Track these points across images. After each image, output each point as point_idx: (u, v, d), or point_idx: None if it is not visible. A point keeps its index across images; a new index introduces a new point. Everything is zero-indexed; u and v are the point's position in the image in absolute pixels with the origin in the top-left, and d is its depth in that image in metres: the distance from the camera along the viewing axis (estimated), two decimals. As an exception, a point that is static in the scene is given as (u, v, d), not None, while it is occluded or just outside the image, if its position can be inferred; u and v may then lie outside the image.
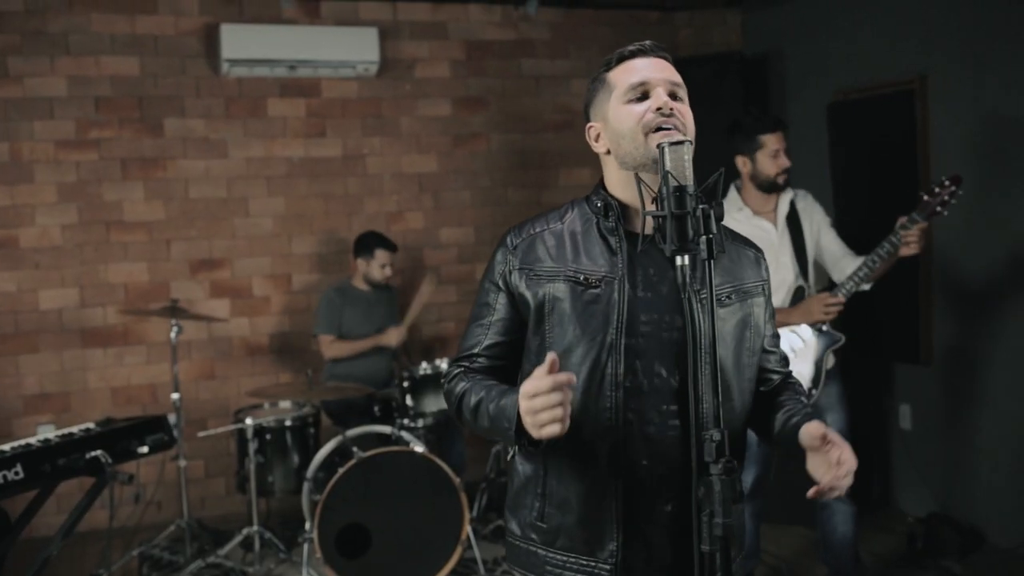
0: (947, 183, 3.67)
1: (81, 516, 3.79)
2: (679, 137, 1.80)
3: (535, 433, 1.71)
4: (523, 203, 6.00)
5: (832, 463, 1.78)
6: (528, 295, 1.93)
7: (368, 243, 5.28)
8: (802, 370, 3.82)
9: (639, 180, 1.82)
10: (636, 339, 1.87)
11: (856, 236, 5.24)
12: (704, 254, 1.67)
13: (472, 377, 1.97)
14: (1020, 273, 4.49)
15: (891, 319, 5.05)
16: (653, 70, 1.92)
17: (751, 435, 3.80)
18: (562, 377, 1.67)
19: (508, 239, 2.01)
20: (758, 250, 2.09)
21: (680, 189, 1.72)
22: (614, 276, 1.89)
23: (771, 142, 3.86)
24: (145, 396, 5.52)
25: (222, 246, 5.64)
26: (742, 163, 3.93)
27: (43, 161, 5.29)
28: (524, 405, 1.69)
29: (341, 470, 4.25)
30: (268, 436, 4.75)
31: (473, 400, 1.91)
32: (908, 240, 3.68)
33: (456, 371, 2.02)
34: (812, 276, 3.98)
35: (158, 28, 5.43)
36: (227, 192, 5.62)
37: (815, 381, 3.82)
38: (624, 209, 1.95)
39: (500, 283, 1.99)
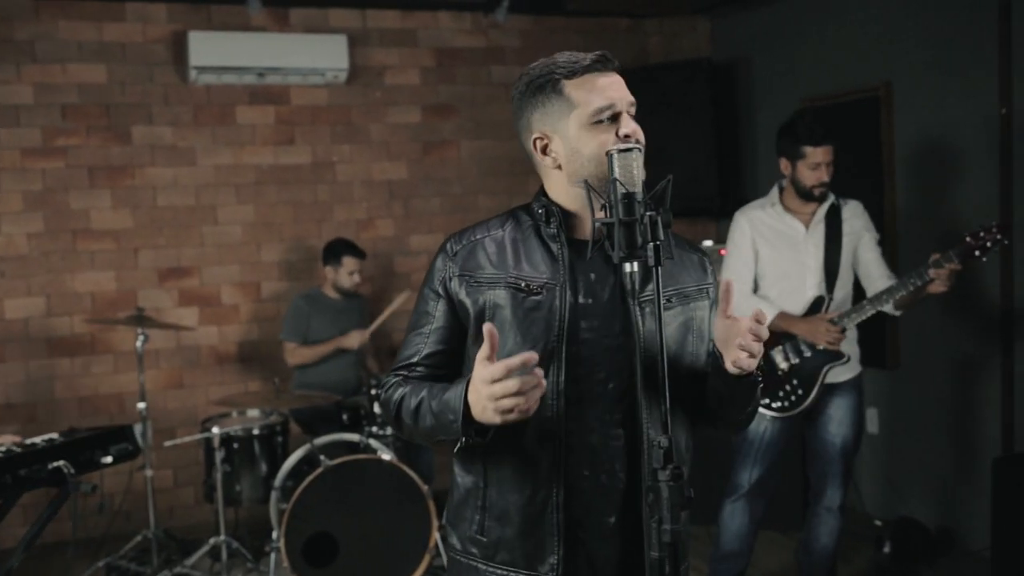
0: (994, 229, 3.54)
1: (44, 527, 3.75)
2: (628, 144, 1.80)
3: (497, 419, 1.66)
4: (494, 210, 5.91)
5: (743, 332, 1.73)
6: (468, 302, 1.91)
7: (336, 250, 5.26)
8: (774, 385, 3.84)
9: (588, 187, 1.82)
10: (578, 347, 1.86)
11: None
12: (651, 261, 1.68)
13: (410, 382, 1.94)
14: (981, 277, 4.53)
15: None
16: (617, 90, 1.90)
17: (757, 436, 3.82)
18: (514, 361, 1.63)
19: (448, 245, 1.98)
20: (704, 254, 2.09)
21: (629, 196, 1.73)
22: (555, 283, 1.87)
23: (814, 155, 3.78)
24: (112, 406, 5.48)
25: (190, 254, 5.61)
26: (784, 166, 3.89)
27: (9, 169, 5.24)
28: (484, 391, 1.66)
29: (308, 479, 4.24)
30: (235, 445, 4.72)
31: (413, 402, 1.87)
32: (937, 278, 3.57)
33: (393, 380, 1.98)
34: (842, 290, 3.89)
35: (126, 36, 5.40)
36: (195, 200, 5.59)
37: (804, 395, 3.82)
38: (566, 216, 1.94)
39: (440, 290, 1.95)
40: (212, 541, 4.62)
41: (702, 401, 1.96)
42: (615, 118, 1.87)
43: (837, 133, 5.17)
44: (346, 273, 5.24)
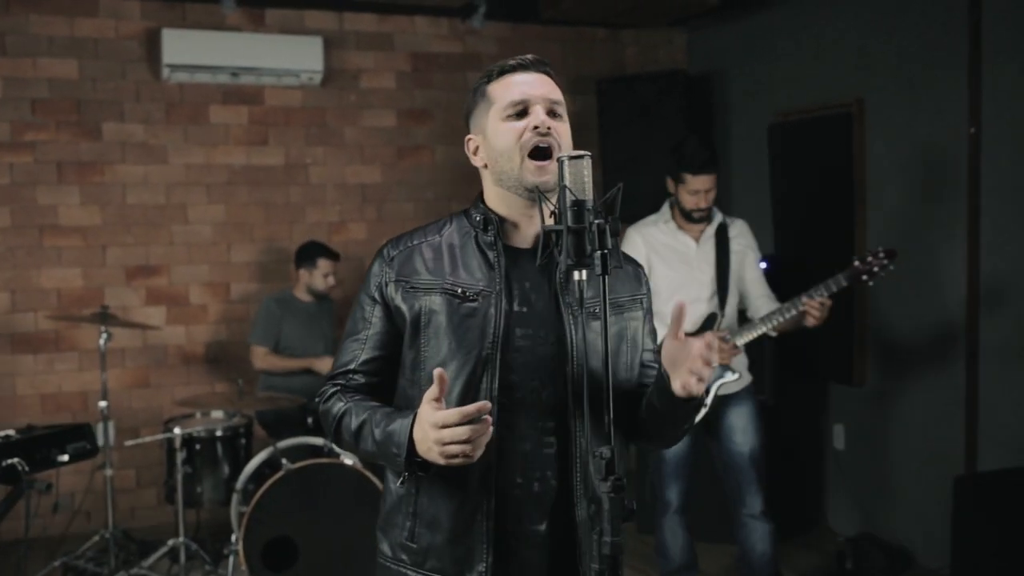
0: (881, 254, 3.68)
1: (-3, 524, 3.71)
2: (579, 152, 1.78)
3: (441, 462, 1.69)
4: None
5: (692, 355, 1.71)
6: (404, 308, 1.91)
7: (310, 252, 5.23)
8: None
9: (540, 196, 1.82)
10: (512, 354, 1.86)
11: (794, 255, 5.31)
12: (598, 270, 1.66)
13: (350, 397, 1.93)
14: (948, 296, 4.55)
15: (826, 341, 5.09)
16: (533, 86, 1.91)
17: (672, 453, 3.86)
18: (470, 409, 1.66)
19: (385, 251, 1.99)
20: (638, 265, 2.10)
21: (578, 203, 1.72)
22: (491, 290, 1.88)
23: (693, 182, 3.86)
24: (76, 403, 5.42)
25: (159, 253, 5.56)
26: (671, 186, 4.00)
27: (-24, 163, 5.19)
28: (432, 435, 1.68)
29: (268, 482, 4.20)
30: (198, 446, 4.67)
31: (354, 423, 1.88)
32: (809, 309, 3.70)
33: (332, 390, 1.96)
34: (733, 305, 3.99)
35: (98, 31, 5.36)
36: (166, 198, 5.55)
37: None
38: (503, 223, 1.94)
39: (376, 296, 1.95)
40: (171, 543, 4.57)
41: (634, 414, 1.96)
42: (527, 112, 1.89)
43: (810, 148, 5.26)
44: (321, 275, 5.21)
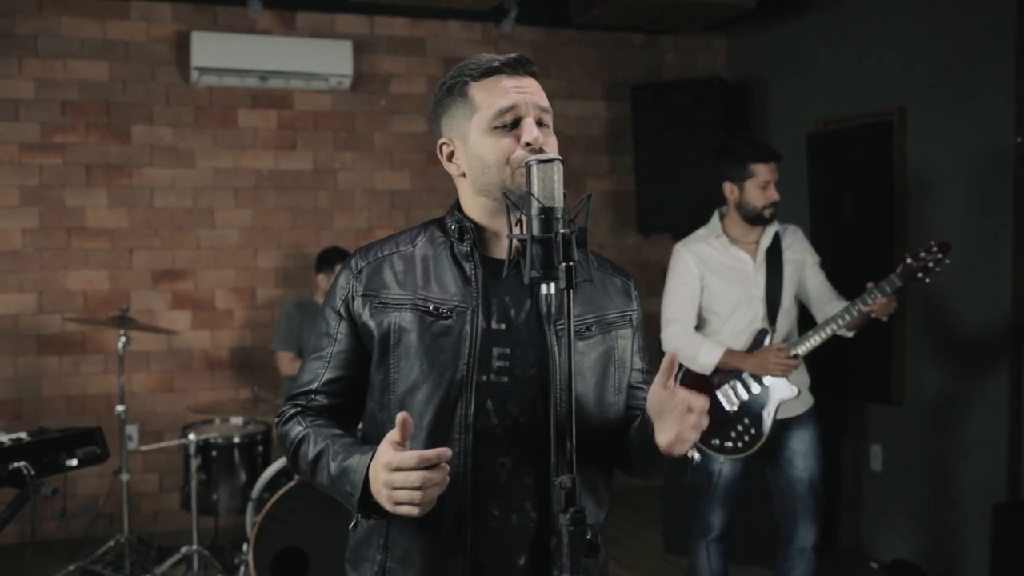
0: (934, 248, 3.44)
1: (1, 528, 3.68)
2: (549, 155, 1.65)
3: (388, 507, 1.57)
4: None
5: (680, 410, 1.59)
6: (372, 324, 1.76)
7: (331, 258, 5.16)
8: (725, 425, 3.70)
9: (508, 202, 1.68)
10: (489, 376, 1.72)
11: (832, 265, 5.11)
12: (562, 283, 1.54)
13: (310, 421, 1.79)
14: (996, 311, 4.33)
15: (863, 357, 4.89)
16: (523, 94, 1.74)
17: (723, 478, 3.68)
18: (431, 454, 1.53)
19: (353, 262, 1.83)
20: (628, 278, 1.95)
21: (546, 211, 1.59)
22: (467, 306, 1.73)
23: (763, 172, 3.65)
24: (101, 406, 5.41)
25: (186, 257, 5.54)
26: (729, 190, 3.73)
27: (6, 163, 5.21)
28: (383, 477, 1.55)
29: (280, 491, 4.13)
30: (214, 453, 4.62)
31: (311, 451, 1.73)
32: (873, 310, 3.50)
33: (291, 412, 1.82)
34: (785, 320, 3.76)
35: (129, 34, 5.36)
36: (193, 202, 5.53)
37: (758, 434, 3.66)
38: (480, 232, 1.80)
39: (342, 310, 1.80)
40: (184, 550, 4.53)
41: (621, 444, 1.82)
42: (517, 123, 1.73)
43: (850, 157, 5.07)
44: (340, 282, 5.14)
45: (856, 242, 5.05)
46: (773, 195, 3.67)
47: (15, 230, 5.24)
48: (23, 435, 3.88)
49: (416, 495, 1.53)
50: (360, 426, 1.87)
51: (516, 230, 1.65)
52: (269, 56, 5.41)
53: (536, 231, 1.57)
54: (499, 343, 1.73)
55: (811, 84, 5.47)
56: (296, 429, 1.80)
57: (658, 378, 1.62)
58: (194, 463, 4.48)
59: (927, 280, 3.46)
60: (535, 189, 1.59)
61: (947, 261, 3.45)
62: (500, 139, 1.72)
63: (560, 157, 1.64)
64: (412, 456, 1.53)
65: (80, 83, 5.31)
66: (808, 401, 3.77)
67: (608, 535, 1.93)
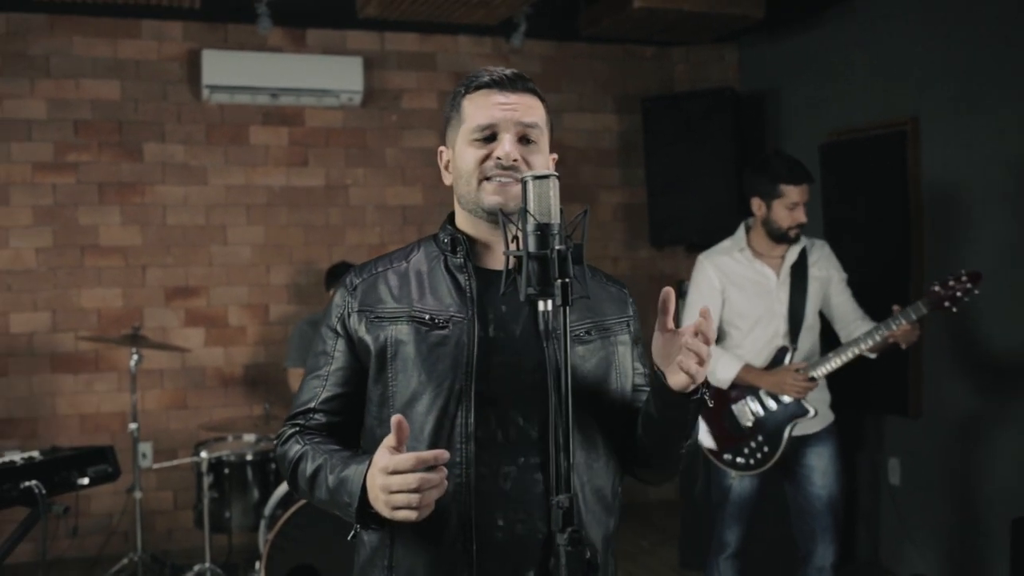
0: (964, 278, 3.38)
1: (13, 547, 3.68)
2: (545, 171, 1.64)
3: (386, 513, 1.55)
4: (510, 238, 5.87)
5: (685, 337, 1.57)
6: (368, 339, 1.76)
7: (340, 274, 5.15)
8: (740, 440, 3.66)
9: (504, 217, 1.67)
10: (488, 385, 1.70)
11: (848, 279, 5.06)
12: (558, 300, 1.51)
13: (308, 439, 1.78)
14: (1012, 324, 4.27)
15: (880, 370, 4.82)
16: (506, 109, 1.75)
17: (737, 493, 3.64)
18: (428, 455, 1.51)
19: (348, 279, 1.84)
20: (622, 287, 1.94)
21: (542, 227, 1.57)
22: (463, 316, 1.72)
23: (793, 194, 3.58)
24: (115, 424, 5.41)
25: (198, 274, 5.55)
26: (757, 206, 3.68)
27: (19, 183, 5.25)
28: (380, 481, 1.53)
29: (291, 509, 4.11)
30: (226, 470, 4.61)
31: (310, 468, 1.72)
32: (895, 336, 3.47)
33: (290, 431, 1.82)
34: (808, 337, 3.72)
35: (140, 53, 5.39)
36: (205, 219, 5.55)
37: (772, 451, 3.62)
38: (472, 244, 1.80)
39: (338, 328, 1.80)
40: (197, 568, 4.52)
41: (632, 441, 1.80)
42: (495, 137, 1.75)
43: (863, 168, 5.03)
44: (351, 298, 5.14)
45: (871, 255, 5.00)
46: (800, 217, 3.61)
47: (29, 249, 5.27)
48: (35, 454, 3.90)
49: (414, 498, 1.50)
50: (360, 445, 1.86)
51: (512, 246, 1.63)
52: (280, 73, 5.43)
53: (532, 247, 1.55)
54: (498, 351, 1.73)
55: (823, 95, 5.43)
56: (295, 448, 1.79)
57: (658, 322, 1.62)
58: (206, 481, 4.48)
59: (954, 309, 3.41)
60: (531, 205, 1.58)
61: (976, 292, 3.40)
62: (476, 151, 1.76)
63: (556, 173, 1.63)
64: (408, 457, 1.51)
65: (92, 102, 5.34)
66: (828, 418, 3.72)
67: (617, 547, 1.89)
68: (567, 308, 1.52)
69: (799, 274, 3.70)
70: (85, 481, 3.92)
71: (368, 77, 5.66)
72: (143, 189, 5.44)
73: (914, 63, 4.78)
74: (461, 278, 1.77)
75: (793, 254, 3.70)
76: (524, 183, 1.59)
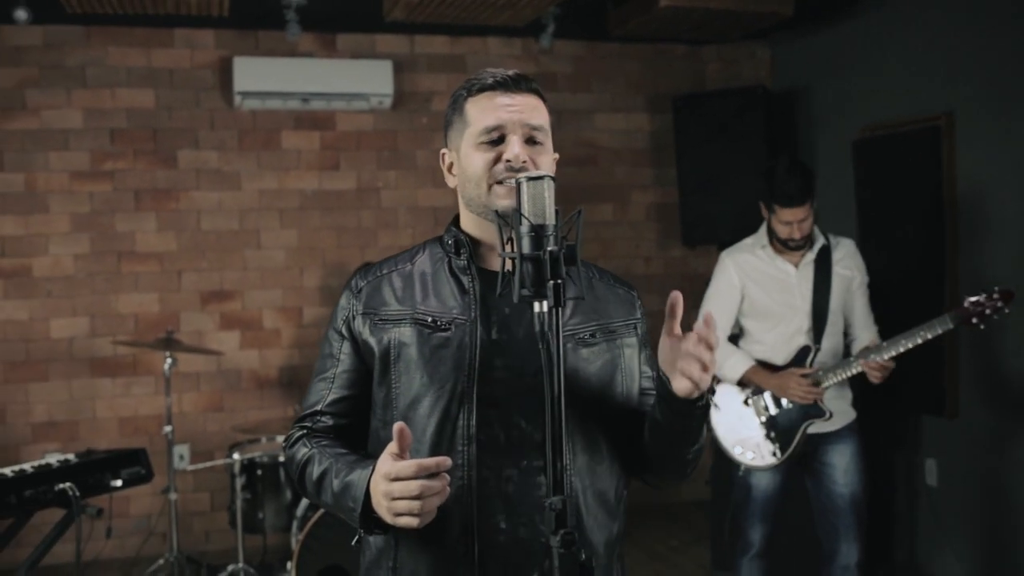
0: (996, 296, 3.33)
1: (48, 548, 3.75)
2: (539, 172, 1.64)
3: (388, 519, 1.57)
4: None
5: (689, 350, 1.56)
6: (372, 342, 1.77)
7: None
8: (751, 435, 3.64)
9: (500, 218, 1.67)
10: (491, 387, 1.70)
11: (882, 276, 4.99)
12: (551, 302, 1.51)
13: (316, 442, 1.79)
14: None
15: (914, 369, 4.75)
16: (512, 111, 1.75)
17: (760, 491, 3.61)
18: (430, 462, 1.52)
19: (353, 282, 1.86)
20: (631, 289, 1.93)
21: (537, 228, 1.57)
22: (465, 318, 1.73)
23: (784, 215, 3.58)
24: (153, 426, 5.49)
25: (233, 278, 5.62)
26: (764, 211, 3.71)
27: (58, 191, 5.35)
28: (382, 487, 1.55)
29: (322, 510, 4.14)
30: (259, 472, 4.66)
31: (316, 471, 1.74)
32: (870, 368, 3.47)
33: (298, 434, 1.83)
34: (831, 335, 3.69)
35: (173, 61, 5.48)
36: (239, 224, 5.61)
37: (784, 448, 3.59)
38: (477, 246, 1.81)
39: (343, 331, 1.82)
40: (230, 568, 4.57)
41: (639, 445, 1.79)
42: (503, 140, 1.75)
43: (897, 165, 4.95)
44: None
45: (904, 253, 4.92)
46: (794, 234, 3.60)
47: (67, 256, 5.37)
48: (71, 456, 3.98)
49: (415, 504, 1.52)
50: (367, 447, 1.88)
51: (508, 248, 1.63)
52: (310, 78, 5.48)
53: (526, 249, 1.55)
54: (501, 354, 1.73)
55: (856, 91, 5.36)
56: (302, 451, 1.80)
57: (665, 326, 1.61)
58: (239, 482, 4.53)
59: (982, 326, 3.37)
60: (525, 207, 1.58)
61: (1007, 311, 3.35)
62: (484, 154, 1.75)
63: (551, 174, 1.63)
64: (410, 465, 1.53)
65: (127, 111, 5.43)
66: (849, 415, 3.70)
67: (624, 551, 1.88)
68: (559, 310, 1.51)
69: (823, 271, 3.67)
70: (118, 483, 3.99)
71: (398, 80, 5.70)
72: (178, 195, 5.52)
73: (947, 57, 4.70)
74: (465, 280, 1.78)
75: (812, 251, 3.69)
76: (518, 184, 1.60)
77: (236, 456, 4.53)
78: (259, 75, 5.38)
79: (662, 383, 1.66)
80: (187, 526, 5.47)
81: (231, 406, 5.65)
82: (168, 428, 4.75)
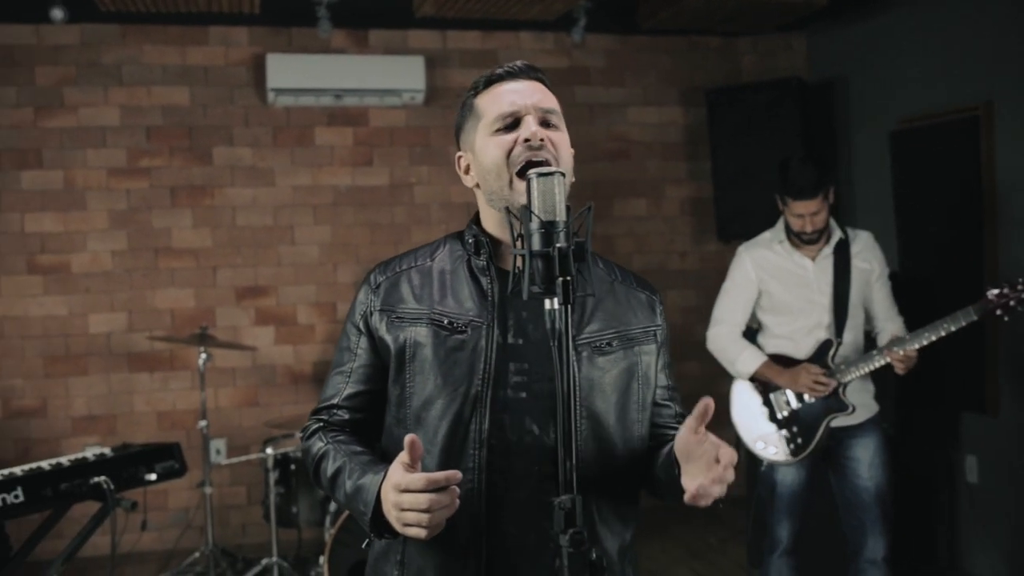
0: (1020, 286, 3.27)
1: (84, 541, 3.80)
2: (549, 168, 1.62)
3: (397, 528, 1.56)
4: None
5: (709, 459, 1.54)
6: (388, 339, 1.76)
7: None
8: (773, 430, 3.61)
9: (510, 215, 1.66)
10: (505, 391, 1.69)
11: (919, 272, 4.91)
12: (559, 299, 1.49)
13: (331, 436, 1.79)
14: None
15: (954, 365, 4.67)
16: (523, 95, 1.74)
17: (786, 486, 3.58)
18: (439, 476, 1.52)
19: (372, 276, 1.85)
20: (653, 292, 1.90)
21: (547, 225, 1.56)
22: (482, 321, 1.72)
23: (795, 207, 3.56)
24: (190, 420, 5.56)
25: (267, 274, 5.66)
26: (779, 204, 3.68)
27: (95, 189, 5.42)
28: (392, 497, 1.54)
29: (352, 505, 4.16)
30: (292, 466, 4.69)
31: (331, 468, 1.74)
32: (895, 359, 3.42)
33: (314, 426, 1.83)
34: (852, 328, 3.64)
35: (208, 59, 5.52)
36: (273, 220, 5.65)
37: (806, 442, 3.55)
38: (497, 246, 1.79)
39: (361, 325, 1.81)
40: (264, 562, 4.61)
41: (646, 465, 1.77)
42: (517, 124, 1.72)
43: (935, 156, 4.85)
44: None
45: (944, 246, 4.84)
46: (807, 227, 3.57)
47: (105, 252, 5.44)
48: (107, 450, 4.03)
49: (424, 517, 1.52)
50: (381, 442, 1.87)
51: (519, 245, 1.62)
52: (343, 74, 5.49)
53: (536, 246, 1.54)
54: (516, 358, 1.71)
55: (893, 81, 5.27)
56: (317, 445, 1.80)
57: (689, 422, 1.57)
58: (272, 476, 4.56)
59: (1006, 318, 3.31)
60: (535, 203, 1.57)
61: None
62: (500, 140, 1.73)
63: (562, 170, 1.61)
64: (420, 478, 1.52)
65: (163, 108, 5.48)
66: (872, 408, 3.66)
67: (636, 554, 1.86)
68: (568, 307, 1.50)
69: (842, 264, 3.63)
70: (152, 477, 4.02)
71: (430, 76, 5.70)
72: (213, 192, 5.57)
73: (986, 45, 4.60)
74: (484, 281, 1.76)
75: (830, 245, 3.65)
76: (528, 180, 1.58)
77: (269, 451, 4.57)
78: (292, 72, 5.40)
79: (672, 465, 1.65)
80: (225, 519, 5.53)
81: (266, 401, 5.69)
82: (203, 423, 4.81)
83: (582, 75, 5.98)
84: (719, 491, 1.55)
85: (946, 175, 4.82)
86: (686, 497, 1.58)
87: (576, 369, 1.68)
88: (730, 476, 1.54)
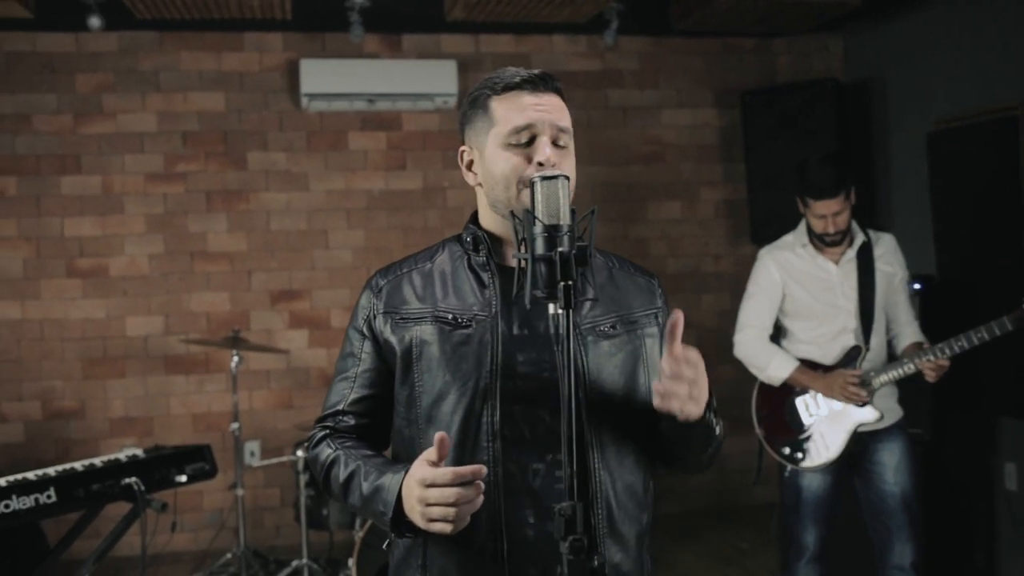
0: None
1: (115, 541, 3.86)
2: (554, 172, 1.62)
3: (422, 524, 1.56)
4: (609, 237, 5.82)
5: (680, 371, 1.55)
6: (394, 340, 1.77)
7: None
8: (799, 436, 3.57)
9: (516, 221, 1.66)
10: (514, 382, 1.69)
11: (957, 275, 4.82)
12: (561, 304, 1.49)
13: (339, 443, 1.80)
14: None
15: (992, 369, 4.58)
16: (541, 112, 1.73)
17: (812, 492, 3.53)
18: (466, 470, 1.53)
19: (374, 281, 1.87)
20: (652, 278, 1.90)
21: (550, 229, 1.56)
22: (486, 314, 1.73)
23: (817, 207, 3.50)
24: (225, 423, 5.60)
25: (302, 277, 5.71)
26: (800, 206, 3.62)
27: (133, 193, 5.50)
28: (417, 493, 1.55)
29: (381, 508, 4.18)
30: (323, 469, 4.72)
31: (343, 473, 1.74)
32: (925, 368, 3.37)
33: (320, 434, 1.84)
34: (878, 335, 3.59)
35: (243, 65, 5.58)
36: (307, 224, 5.70)
37: (832, 448, 3.51)
38: (498, 243, 1.80)
39: (364, 330, 1.83)
40: (295, 563, 4.64)
41: (659, 438, 1.76)
42: (532, 141, 1.72)
43: (973, 157, 4.77)
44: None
45: (982, 249, 4.75)
46: (829, 227, 3.51)
47: (142, 256, 5.52)
48: (139, 452, 4.09)
49: (450, 511, 1.53)
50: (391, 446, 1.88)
51: (522, 249, 1.62)
52: (376, 79, 5.53)
53: (540, 249, 1.54)
54: (523, 349, 1.72)
55: (930, 81, 5.19)
56: (326, 452, 1.81)
57: (666, 345, 1.58)
58: (302, 479, 4.60)
59: None
60: (539, 207, 1.57)
61: None
62: (513, 156, 1.73)
63: (566, 174, 1.61)
64: (447, 472, 1.53)
65: (199, 114, 5.55)
66: (897, 413, 3.61)
67: (650, 544, 1.85)
68: (571, 312, 1.50)
69: (866, 268, 3.58)
70: (183, 478, 4.08)
71: (463, 80, 5.71)
72: (248, 196, 5.63)
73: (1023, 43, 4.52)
74: (484, 276, 1.77)
75: (853, 248, 3.59)
76: (532, 184, 1.59)
77: (300, 453, 4.60)
78: (325, 77, 5.45)
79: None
80: (258, 521, 5.58)
81: (300, 403, 5.74)
82: (235, 425, 4.85)
83: (615, 78, 5.96)
84: (684, 391, 1.55)
85: (984, 176, 4.73)
86: (655, 400, 1.57)
87: (582, 354, 1.70)
88: (687, 372, 1.54)
